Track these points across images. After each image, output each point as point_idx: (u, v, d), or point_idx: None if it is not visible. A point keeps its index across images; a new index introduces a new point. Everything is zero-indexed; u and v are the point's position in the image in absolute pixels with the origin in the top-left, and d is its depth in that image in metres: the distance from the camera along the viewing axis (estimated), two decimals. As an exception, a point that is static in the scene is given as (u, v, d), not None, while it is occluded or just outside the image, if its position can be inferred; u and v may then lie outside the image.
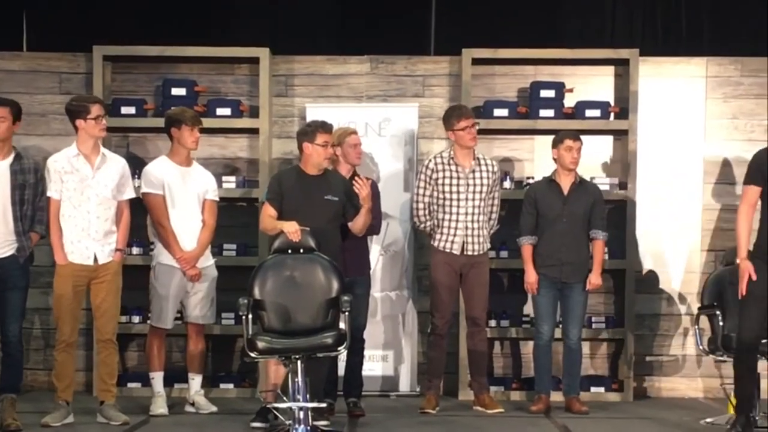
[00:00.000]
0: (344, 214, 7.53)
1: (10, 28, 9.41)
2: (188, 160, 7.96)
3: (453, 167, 8.01)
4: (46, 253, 7.75)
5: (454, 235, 7.99)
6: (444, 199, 8.01)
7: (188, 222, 7.88)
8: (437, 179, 8.02)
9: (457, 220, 7.99)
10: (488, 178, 8.03)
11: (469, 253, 7.99)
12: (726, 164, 8.95)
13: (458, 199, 7.99)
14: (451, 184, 8.00)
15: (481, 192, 8.01)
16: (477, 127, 8.07)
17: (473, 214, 7.99)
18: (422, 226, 8.14)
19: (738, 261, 6.94)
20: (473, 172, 8.01)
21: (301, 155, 7.57)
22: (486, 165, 8.08)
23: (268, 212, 7.46)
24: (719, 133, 8.97)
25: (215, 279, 8.04)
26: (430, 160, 8.10)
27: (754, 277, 6.83)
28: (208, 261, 8.02)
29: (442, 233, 8.02)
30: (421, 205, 8.09)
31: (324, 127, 7.51)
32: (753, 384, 7.03)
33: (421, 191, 8.08)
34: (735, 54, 9.06)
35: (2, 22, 9.45)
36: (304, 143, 7.49)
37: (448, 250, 8.00)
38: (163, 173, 7.85)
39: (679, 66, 9.01)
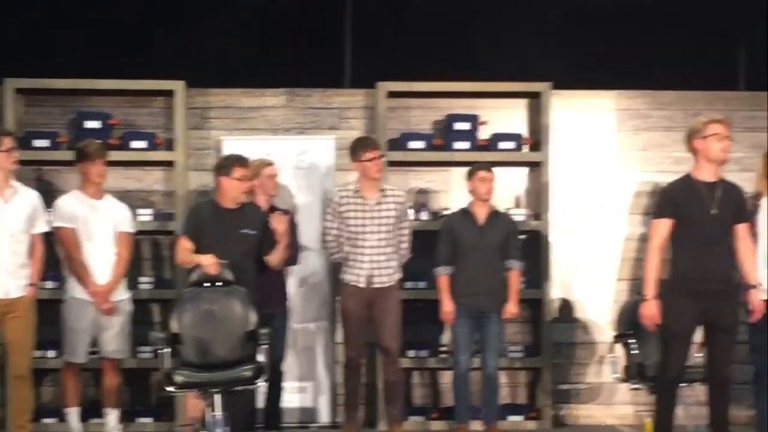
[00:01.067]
0: (260, 248, 7.50)
1: None
2: (99, 193, 7.87)
3: (358, 200, 7.94)
4: (-42, 289, 7.60)
5: (360, 268, 7.93)
6: (350, 232, 7.94)
7: (102, 255, 7.78)
8: (342, 212, 7.96)
9: (363, 254, 7.91)
10: (395, 209, 7.97)
11: (376, 285, 7.93)
12: (638, 195, 9.10)
13: (364, 232, 7.92)
14: (356, 217, 7.93)
15: (387, 224, 7.94)
16: (383, 159, 8.06)
17: (379, 246, 7.93)
18: (332, 257, 8.13)
19: (644, 297, 6.90)
20: (379, 203, 7.94)
21: (217, 189, 7.54)
22: (393, 196, 8.01)
23: (184, 245, 7.40)
24: (631, 165, 9.12)
25: (130, 313, 7.94)
26: (335, 194, 8.05)
27: (658, 321, 6.83)
28: (122, 295, 7.92)
29: (348, 266, 7.98)
30: (329, 237, 8.03)
31: (240, 161, 7.48)
32: (673, 414, 7.08)
33: (328, 224, 8.03)
34: (644, 87, 9.22)
35: None
36: (220, 177, 7.46)
37: (354, 283, 7.95)
38: (75, 207, 7.76)
39: (591, 99, 9.15)
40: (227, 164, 7.48)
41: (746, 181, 9.01)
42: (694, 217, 6.82)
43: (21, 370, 7.40)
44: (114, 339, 7.82)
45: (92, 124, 8.66)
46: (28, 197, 7.50)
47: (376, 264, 7.94)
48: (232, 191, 7.43)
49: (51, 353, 8.43)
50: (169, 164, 8.77)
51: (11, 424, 7.63)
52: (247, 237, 7.40)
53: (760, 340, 7.10)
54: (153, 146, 8.71)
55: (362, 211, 7.94)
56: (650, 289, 6.86)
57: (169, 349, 6.94)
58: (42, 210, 7.58)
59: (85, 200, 7.80)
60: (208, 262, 7.15)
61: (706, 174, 6.88)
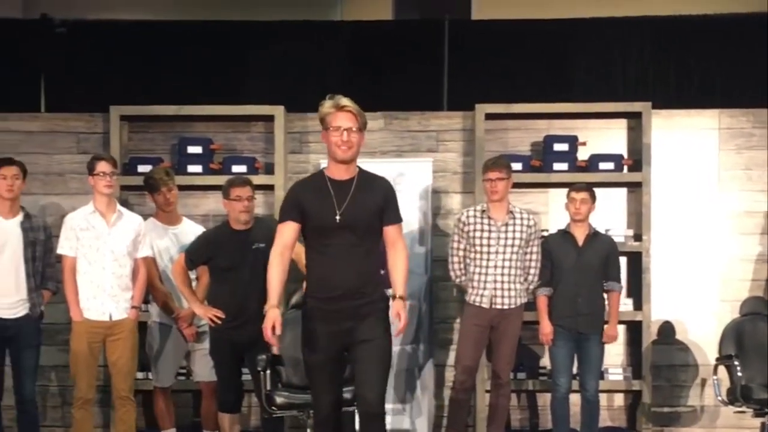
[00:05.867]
0: None
1: (29, 90, 9.54)
2: (174, 219, 8.02)
3: (485, 220, 7.90)
4: (63, 311, 7.77)
5: (483, 288, 7.88)
6: (475, 252, 7.91)
7: None
8: (468, 231, 7.93)
9: (486, 274, 7.87)
10: (522, 231, 7.89)
11: (498, 306, 7.87)
12: (740, 215, 8.96)
13: (488, 252, 7.88)
14: (482, 237, 7.89)
15: (513, 246, 7.87)
16: (502, 182, 7.90)
17: (503, 267, 7.87)
18: (458, 280, 8.05)
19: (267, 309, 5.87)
20: (506, 225, 7.89)
21: None
22: (522, 219, 7.94)
23: (180, 262, 7.47)
24: (733, 184, 8.99)
25: None
26: (462, 213, 8.05)
27: (278, 329, 5.78)
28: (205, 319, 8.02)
29: (472, 287, 7.96)
30: (456, 259, 8.00)
31: (235, 182, 7.46)
32: None
33: (455, 245, 8.01)
34: (746, 106, 9.09)
35: (21, 84, 9.59)
36: (223, 200, 7.49)
37: (477, 304, 7.89)
38: (153, 235, 7.86)
39: (692, 118, 9.04)
40: (225, 186, 7.47)
41: None
42: (317, 222, 5.86)
43: (123, 391, 7.54)
44: (200, 363, 7.92)
45: (194, 149, 8.82)
46: (133, 222, 7.63)
47: (499, 284, 7.87)
48: (232, 212, 7.42)
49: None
50: (269, 188, 8.86)
51: (116, 444, 7.79)
52: (260, 251, 7.27)
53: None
54: (253, 170, 8.80)
55: (488, 231, 7.90)
56: (271, 297, 5.86)
57: (269, 371, 7.01)
58: (146, 235, 7.69)
59: (159, 227, 7.95)
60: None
61: (337, 171, 5.93)
